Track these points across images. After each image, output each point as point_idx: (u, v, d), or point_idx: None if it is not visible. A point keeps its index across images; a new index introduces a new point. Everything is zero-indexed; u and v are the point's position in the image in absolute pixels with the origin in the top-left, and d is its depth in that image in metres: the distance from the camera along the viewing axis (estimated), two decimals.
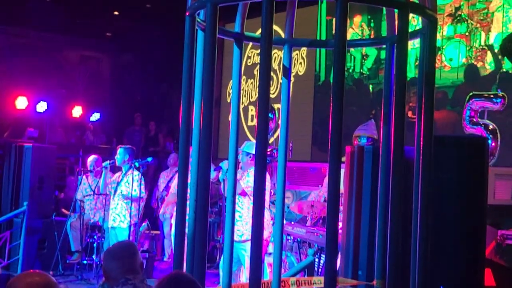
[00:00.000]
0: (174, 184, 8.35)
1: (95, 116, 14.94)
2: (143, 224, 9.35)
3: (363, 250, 4.67)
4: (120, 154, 8.76)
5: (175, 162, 10.38)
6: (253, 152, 7.14)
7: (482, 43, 9.20)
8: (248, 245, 6.90)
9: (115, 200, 8.70)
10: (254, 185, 3.31)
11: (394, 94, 3.48)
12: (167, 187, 10.29)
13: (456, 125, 7.44)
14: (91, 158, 9.99)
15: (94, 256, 9.19)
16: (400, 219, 3.50)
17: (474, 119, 7.15)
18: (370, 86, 10.55)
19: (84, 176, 9.92)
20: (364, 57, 10.66)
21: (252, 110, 12.62)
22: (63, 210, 10.88)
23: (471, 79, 9.22)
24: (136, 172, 8.51)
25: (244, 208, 6.92)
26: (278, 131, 10.02)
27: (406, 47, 3.43)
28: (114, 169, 9.15)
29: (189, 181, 3.54)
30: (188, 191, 3.52)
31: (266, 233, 6.71)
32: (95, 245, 9.19)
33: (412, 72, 9.33)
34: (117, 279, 3.39)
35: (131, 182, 8.44)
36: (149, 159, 8.88)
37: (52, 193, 10.13)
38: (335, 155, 3.23)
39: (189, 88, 3.57)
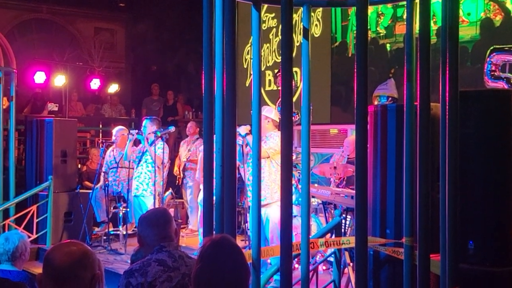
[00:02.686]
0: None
1: (113, 88, 14.95)
2: (167, 192, 9.41)
3: (390, 209, 4.66)
4: (146, 124, 8.81)
5: (194, 130, 10.39)
6: (271, 116, 7.17)
7: None
8: (269, 209, 6.93)
9: (138, 169, 8.78)
10: (281, 148, 3.29)
11: (418, 50, 3.43)
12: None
13: (477, 80, 7.34)
14: (117, 129, 10.01)
15: (120, 226, 9.27)
16: (428, 176, 3.48)
17: (495, 73, 7.04)
18: (387, 45, 10.43)
19: (109, 149, 9.97)
20: (380, 16, 10.52)
21: (269, 75, 12.55)
22: (87, 183, 10.97)
23: (488, 34, 9.07)
24: (160, 141, 8.57)
25: (265, 172, 6.93)
26: (297, 94, 9.98)
27: (429, 2, 3.36)
28: (136, 142, 9.19)
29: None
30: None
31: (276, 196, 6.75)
32: (120, 215, 9.26)
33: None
34: (152, 246, 3.42)
35: (158, 151, 8.51)
36: (171, 127, 8.90)
37: (75, 166, 10.21)
38: (361, 115, 3.20)
39: (210, 54, 3.54)
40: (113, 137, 9.89)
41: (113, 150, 9.91)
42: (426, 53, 3.33)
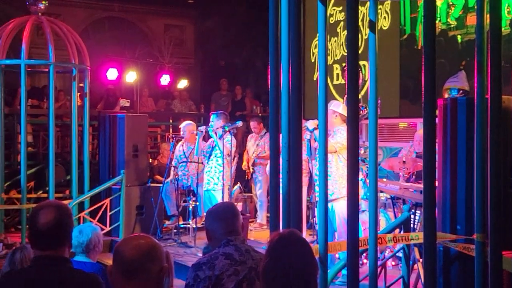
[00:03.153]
0: None
1: (183, 84, 15.14)
2: (236, 186, 9.48)
3: (461, 205, 4.56)
4: (214, 119, 8.90)
5: (259, 127, 10.46)
6: (339, 110, 7.13)
7: None
8: (337, 204, 6.89)
9: (209, 163, 8.89)
10: (347, 143, 3.27)
11: (489, 42, 3.33)
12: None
13: None
14: (184, 124, 10.13)
15: (189, 220, 9.39)
16: (499, 171, 3.39)
17: None
18: (458, 37, 10.17)
19: (179, 143, 10.10)
20: (451, 7, 10.28)
21: (337, 68, 12.45)
22: (158, 177, 11.16)
23: None
24: (228, 135, 8.64)
25: (332, 166, 6.90)
26: (365, 88, 9.87)
27: None
28: (205, 137, 9.30)
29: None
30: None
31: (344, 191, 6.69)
32: (190, 209, 9.38)
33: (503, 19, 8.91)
34: (219, 240, 3.46)
35: (226, 144, 8.59)
36: (238, 122, 8.94)
37: (146, 160, 10.41)
38: (430, 109, 3.14)
39: (276, 50, 3.54)
40: (181, 132, 10.01)
41: (182, 145, 10.03)
42: (497, 44, 3.24)
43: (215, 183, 8.75)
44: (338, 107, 7.21)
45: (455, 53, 10.07)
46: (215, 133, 8.81)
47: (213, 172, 8.82)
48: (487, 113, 3.45)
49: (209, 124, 8.99)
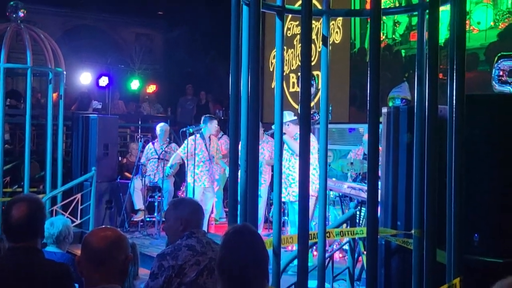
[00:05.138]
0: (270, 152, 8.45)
1: (151, 88, 15.04)
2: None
3: (401, 202, 4.63)
4: (206, 123, 8.86)
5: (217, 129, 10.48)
6: (287, 119, 7.22)
7: (509, 6, 8.89)
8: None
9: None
10: (299, 143, 3.30)
11: (427, 57, 3.40)
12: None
13: (487, 85, 7.26)
14: (162, 125, 10.05)
15: (155, 214, 9.36)
16: (435, 173, 3.45)
17: (503, 78, 6.95)
18: (402, 51, 10.35)
19: (150, 143, 10.05)
20: (396, 24, 10.44)
21: (293, 77, 12.54)
22: (126, 174, 11.06)
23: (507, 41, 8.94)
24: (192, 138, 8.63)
25: (295, 168, 6.99)
26: (318, 96, 9.96)
27: (438, 13, 3.34)
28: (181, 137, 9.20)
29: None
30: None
31: (313, 188, 6.77)
32: (156, 204, 9.35)
33: (441, 35, 9.09)
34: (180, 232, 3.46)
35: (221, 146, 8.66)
36: (202, 125, 8.93)
37: (116, 158, 10.31)
38: (374, 116, 3.19)
39: (237, 59, 3.55)
40: (158, 131, 9.93)
41: (153, 144, 9.98)
42: (434, 59, 3.30)
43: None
44: (287, 116, 7.28)
45: (399, 66, 10.24)
46: (209, 137, 8.84)
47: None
48: (425, 121, 3.51)
49: (201, 126, 8.91)
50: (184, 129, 8.79)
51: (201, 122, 8.92)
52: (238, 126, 3.44)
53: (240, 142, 3.48)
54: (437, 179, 3.47)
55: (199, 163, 8.69)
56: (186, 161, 8.65)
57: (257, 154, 3.36)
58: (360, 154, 8.37)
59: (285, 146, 7.38)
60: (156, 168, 9.73)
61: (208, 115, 9.33)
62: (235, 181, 3.46)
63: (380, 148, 4.34)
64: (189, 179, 8.59)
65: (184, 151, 8.64)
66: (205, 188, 8.70)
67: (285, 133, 7.00)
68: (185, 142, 8.63)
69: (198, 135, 8.74)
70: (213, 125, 8.91)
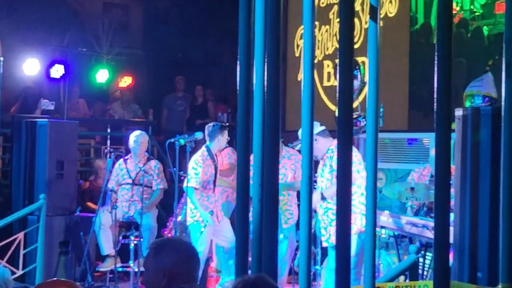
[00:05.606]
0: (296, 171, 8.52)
1: (125, 82, 15.13)
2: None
3: (483, 246, 4.63)
4: (214, 132, 8.96)
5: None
6: (317, 131, 7.28)
7: None
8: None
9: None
10: (338, 161, 3.33)
11: None
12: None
13: None
14: (136, 134, 10.06)
15: (130, 262, 9.36)
16: None
17: None
18: (484, 29, 10.36)
19: (121, 160, 10.06)
20: None
21: (328, 66, 12.56)
22: (90, 204, 11.11)
23: None
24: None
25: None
26: (364, 92, 9.96)
27: None
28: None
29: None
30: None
31: (359, 223, 6.79)
32: (131, 247, 9.36)
33: None
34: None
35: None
36: (198, 134, 8.98)
37: (74, 182, 10.35)
38: (443, 121, 3.21)
39: (248, 41, 3.60)
40: (132, 144, 9.95)
41: (126, 162, 10.01)
42: None
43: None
44: (316, 127, 7.34)
45: (480, 49, 10.24)
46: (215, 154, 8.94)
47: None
48: None
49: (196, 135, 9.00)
50: (172, 139, 8.83)
51: (207, 132, 8.95)
52: (249, 136, 3.47)
53: (252, 158, 3.52)
54: None
55: (207, 192, 8.75)
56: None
57: (277, 175, 3.39)
58: (426, 175, 8.37)
59: (320, 166, 7.44)
60: (130, 197, 9.76)
61: (216, 123, 9.33)
62: (244, 214, 3.49)
63: (452, 167, 4.36)
64: (188, 217, 8.64)
65: (198, 179, 8.65)
66: (212, 226, 8.74)
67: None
68: (197, 164, 8.70)
69: (205, 153, 8.78)
70: (225, 138, 8.98)
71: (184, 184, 8.80)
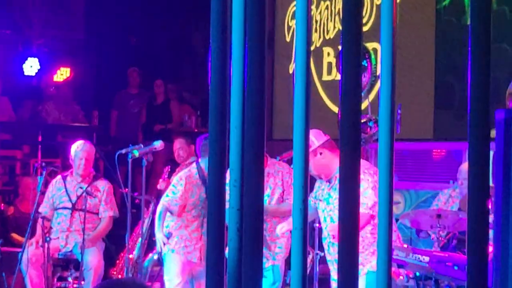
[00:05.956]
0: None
1: (62, 74, 15.12)
2: (151, 255, 9.50)
3: None
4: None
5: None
6: (317, 143, 7.30)
7: None
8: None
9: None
10: (340, 176, 3.33)
11: None
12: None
13: None
14: (79, 145, 10.06)
15: None
16: None
17: None
18: None
19: (59, 177, 10.05)
20: None
21: (329, 54, 12.59)
22: (14, 236, 11.09)
23: None
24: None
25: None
26: (375, 89, 9.97)
27: None
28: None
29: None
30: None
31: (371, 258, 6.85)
32: None
33: None
34: None
35: None
36: (157, 143, 8.98)
37: None
38: (478, 126, 3.23)
39: (223, 21, 3.60)
40: (73, 156, 9.95)
41: (65, 180, 10.00)
42: None
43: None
44: (320, 138, 7.38)
45: None
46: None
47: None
48: None
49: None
50: (124, 150, 8.83)
51: (198, 146, 8.99)
52: (224, 146, 3.48)
53: (228, 175, 3.52)
54: None
55: (189, 222, 8.78)
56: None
57: (261, 197, 3.40)
58: (456, 197, 8.40)
59: (326, 190, 7.44)
60: (69, 226, 9.74)
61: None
62: (218, 248, 3.49)
63: (491, 185, 4.39)
64: (163, 245, 8.65)
65: (174, 199, 8.70)
66: (194, 264, 8.80)
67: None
68: (179, 181, 8.75)
69: (194, 170, 8.80)
70: None
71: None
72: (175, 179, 8.85)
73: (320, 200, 7.45)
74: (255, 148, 3.40)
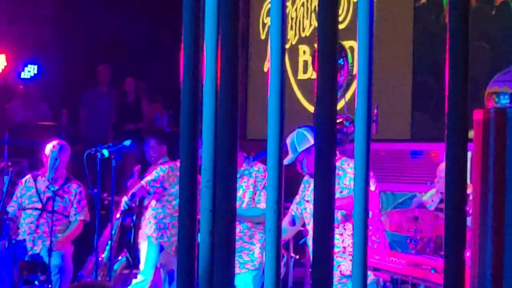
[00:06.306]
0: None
1: (29, 71, 15.07)
2: (121, 258, 9.49)
3: None
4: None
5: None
6: (307, 144, 7.32)
7: None
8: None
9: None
10: (314, 180, 3.34)
11: None
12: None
13: None
14: (53, 145, 10.03)
15: None
16: None
17: None
18: None
19: (29, 176, 10.02)
20: None
21: (305, 52, 12.61)
22: None
23: None
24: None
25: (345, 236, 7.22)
26: (352, 89, 10.00)
27: None
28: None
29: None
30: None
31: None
32: None
33: None
34: None
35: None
36: (127, 143, 8.97)
37: None
38: (457, 127, 3.24)
39: (195, 20, 3.61)
40: (48, 157, 9.92)
41: (36, 179, 9.97)
42: None
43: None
44: (306, 140, 7.39)
45: (508, 31, 10.34)
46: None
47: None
48: None
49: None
50: (93, 150, 8.82)
51: None
52: (196, 145, 3.48)
53: (201, 177, 3.53)
54: None
55: (172, 211, 8.96)
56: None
57: (234, 198, 3.40)
58: (437, 199, 8.44)
59: (308, 188, 7.46)
60: (37, 228, 9.71)
61: None
62: (189, 250, 3.49)
63: (469, 185, 4.40)
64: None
65: (153, 180, 8.88)
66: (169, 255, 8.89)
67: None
68: (162, 169, 8.84)
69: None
70: None
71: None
72: (158, 167, 8.97)
73: (307, 201, 7.41)
74: (228, 148, 3.40)
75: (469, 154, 3.52)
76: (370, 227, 7.24)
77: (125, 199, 9.15)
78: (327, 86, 3.44)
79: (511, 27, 10.31)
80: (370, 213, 7.44)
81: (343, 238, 7.28)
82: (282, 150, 3.70)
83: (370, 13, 4.29)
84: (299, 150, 7.32)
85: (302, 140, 7.36)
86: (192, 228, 3.50)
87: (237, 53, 3.51)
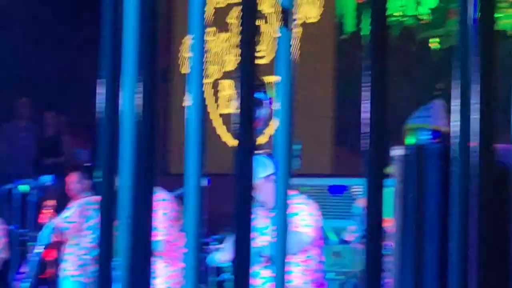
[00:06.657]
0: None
1: None
2: None
3: None
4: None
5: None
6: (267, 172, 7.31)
7: None
8: None
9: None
10: (235, 220, 3.33)
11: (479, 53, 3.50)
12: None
13: None
14: None
15: None
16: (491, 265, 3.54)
17: None
18: (433, 41, 10.60)
19: None
20: None
21: (227, 87, 12.63)
22: None
23: None
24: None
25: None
26: (274, 123, 10.01)
27: None
28: None
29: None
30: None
31: None
32: None
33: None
34: None
35: None
36: (47, 178, 8.92)
37: None
38: (374, 161, 3.26)
39: (114, 53, 3.59)
40: None
41: None
42: (489, 57, 3.40)
43: None
44: (266, 168, 7.40)
45: (428, 68, 10.46)
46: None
47: None
48: (473, 170, 3.59)
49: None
50: (11, 185, 8.75)
51: None
52: (113, 180, 3.46)
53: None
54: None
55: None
56: None
57: (149, 234, 3.38)
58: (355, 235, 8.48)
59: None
60: None
61: None
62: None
63: (388, 220, 4.43)
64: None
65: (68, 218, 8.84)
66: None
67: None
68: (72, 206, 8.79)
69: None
70: None
71: None
72: (76, 202, 8.97)
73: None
74: (144, 183, 3.37)
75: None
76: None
77: (41, 234, 9.09)
78: (246, 121, 3.43)
79: (427, 65, 10.43)
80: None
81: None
82: (199, 186, 3.68)
83: (290, 47, 4.30)
84: (260, 176, 7.28)
85: (262, 166, 7.33)
86: (106, 268, 3.46)
87: (155, 87, 3.49)
